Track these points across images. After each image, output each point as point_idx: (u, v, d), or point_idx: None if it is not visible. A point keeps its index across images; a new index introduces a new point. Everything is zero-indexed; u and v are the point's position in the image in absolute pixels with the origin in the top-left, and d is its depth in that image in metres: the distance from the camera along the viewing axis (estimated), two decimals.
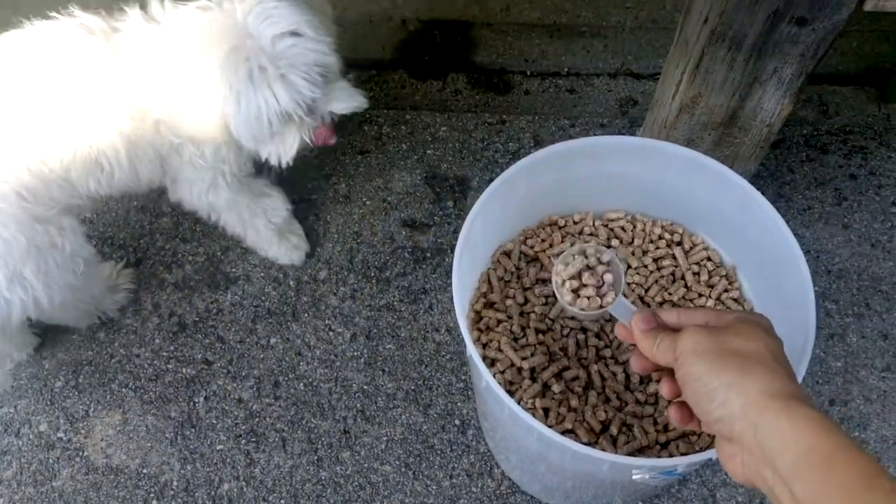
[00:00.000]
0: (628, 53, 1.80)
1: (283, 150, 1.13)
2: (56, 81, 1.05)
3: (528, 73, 1.81)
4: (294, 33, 1.04)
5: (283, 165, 1.15)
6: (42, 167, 1.07)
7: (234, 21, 1.02)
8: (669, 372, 0.64)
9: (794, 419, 0.51)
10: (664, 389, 0.65)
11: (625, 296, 0.92)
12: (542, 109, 1.75)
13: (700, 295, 1.11)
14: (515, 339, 1.06)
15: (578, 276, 0.81)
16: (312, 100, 1.07)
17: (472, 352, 0.91)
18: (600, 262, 0.82)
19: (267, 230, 1.43)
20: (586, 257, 0.82)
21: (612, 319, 1.10)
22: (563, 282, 0.82)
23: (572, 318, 1.09)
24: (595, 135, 1.69)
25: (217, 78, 1.03)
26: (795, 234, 1.53)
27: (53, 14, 1.07)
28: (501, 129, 1.71)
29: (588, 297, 0.80)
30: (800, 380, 0.87)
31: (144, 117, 1.11)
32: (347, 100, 1.12)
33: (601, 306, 0.79)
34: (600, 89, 1.78)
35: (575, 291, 0.81)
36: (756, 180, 1.59)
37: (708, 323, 0.63)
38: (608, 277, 0.80)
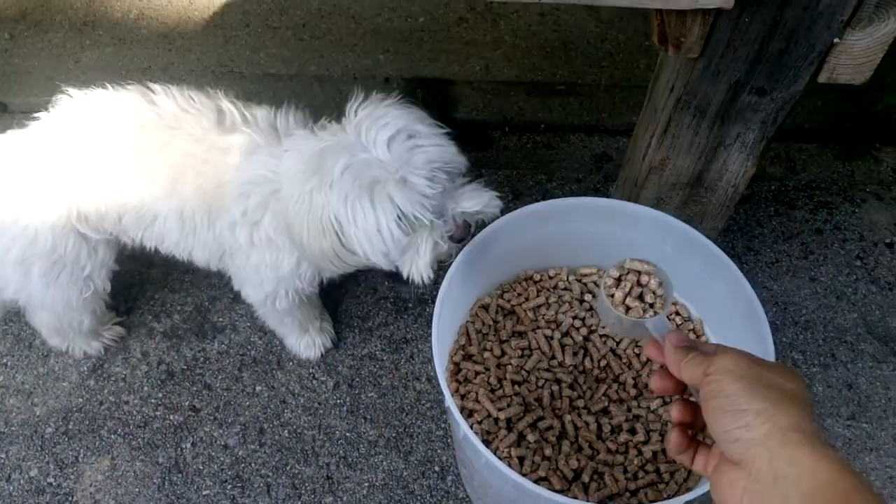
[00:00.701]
0: (603, 111, 1.89)
1: (418, 262, 1.03)
2: (153, 142, 1.12)
3: (507, 129, 1.89)
4: (409, 135, 1.00)
5: (426, 280, 1.04)
6: (100, 203, 1.15)
7: (345, 139, 1.00)
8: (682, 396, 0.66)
9: (815, 454, 0.53)
10: (674, 411, 0.66)
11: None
12: (520, 164, 1.82)
13: None
14: (492, 391, 1.11)
15: (629, 287, 0.82)
16: (439, 200, 1.00)
17: (451, 404, 0.95)
18: (650, 276, 0.82)
19: (292, 325, 1.44)
20: (639, 273, 0.82)
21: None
22: (616, 283, 0.82)
23: (547, 369, 1.14)
24: (571, 189, 1.77)
25: (333, 200, 0.98)
26: (764, 287, 1.60)
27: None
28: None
29: (633, 307, 0.80)
30: None
31: (214, 212, 1.15)
32: (477, 197, 1.04)
33: (643, 315, 0.79)
34: (576, 145, 1.85)
35: (623, 299, 0.81)
36: (725, 234, 1.66)
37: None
38: (660, 291, 0.81)
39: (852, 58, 1.02)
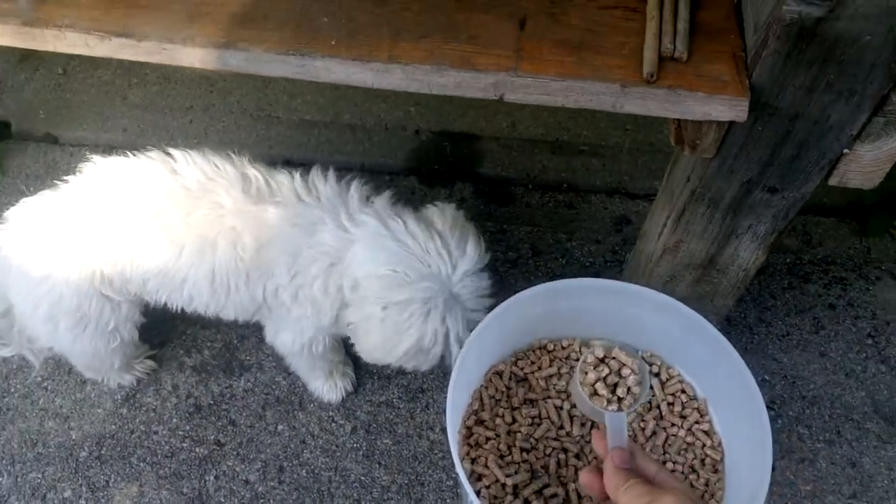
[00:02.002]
0: (625, 174, 1.95)
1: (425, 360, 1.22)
2: (177, 212, 1.20)
3: (530, 186, 1.96)
4: (478, 270, 1.17)
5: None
6: (125, 268, 1.24)
7: (425, 270, 1.13)
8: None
9: None
10: (595, 490, 0.69)
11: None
12: (541, 222, 1.88)
13: (672, 424, 1.22)
14: (502, 457, 1.17)
15: (606, 374, 0.85)
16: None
17: (460, 471, 1.02)
18: (632, 372, 0.85)
19: (319, 370, 1.52)
20: (622, 365, 0.86)
21: (593, 426, 1.20)
22: (597, 363, 0.86)
23: (555, 438, 1.20)
24: (590, 249, 1.83)
25: (417, 324, 1.14)
26: (773, 359, 1.64)
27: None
28: (502, 238, 1.85)
29: (601, 394, 0.83)
30: None
31: (254, 277, 1.22)
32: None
33: (605, 407, 0.82)
34: (597, 206, 1.92)
35: (594, 384, 0.85)
36: (738, 304, 1.71)
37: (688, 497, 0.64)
38: (635, 390, 0.84)
39: (861, 167, 1.07)
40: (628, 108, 0.97)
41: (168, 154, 1.24)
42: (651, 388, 1.15)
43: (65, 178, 1.29)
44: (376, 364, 1.30)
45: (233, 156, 1.25)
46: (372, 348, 1.21)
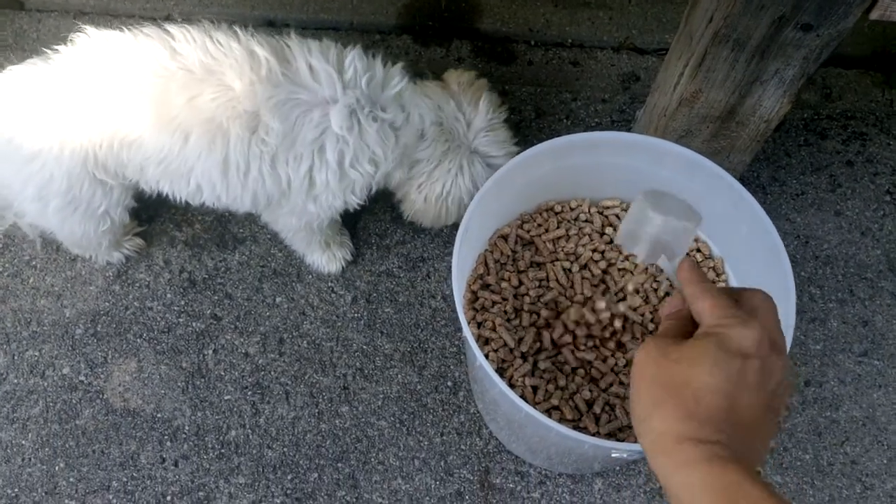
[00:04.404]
0: (633, 27, 1.81)
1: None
2: (179, 97, 1.09)
3: (532, 42, 1.82)
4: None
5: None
6: (120, 153, 1.15)
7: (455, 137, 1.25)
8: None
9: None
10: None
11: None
12: (544, 81, 1.77)
13: None
14: (509, 320, 1.12)
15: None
16: None
17: (468, 334, 0.97)
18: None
19: (316, 243, 1.46)
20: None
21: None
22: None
23: (565, 301, 1.15)
24: (596, 109, 1.73)
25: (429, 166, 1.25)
26: (786, 219, 1.58)
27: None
28: (504, 99, 1.72)
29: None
30: None
31: (281, 159, 1.16)
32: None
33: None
34: (603, 63, 1.79)
35: None
36: (752, 163, 1.63)
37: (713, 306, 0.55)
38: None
39: None
40: None
41: (166, 31, 1.11)
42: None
43: (54, 47, 1.16)
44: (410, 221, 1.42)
45: (237, 31, 1.13)
46: (415, 213, 1.35)
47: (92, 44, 1.14)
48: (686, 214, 0.74)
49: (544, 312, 1.12)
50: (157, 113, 1.10)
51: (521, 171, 1.11)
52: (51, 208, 1.23)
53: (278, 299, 1.54)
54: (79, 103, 1.12)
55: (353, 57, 1.13)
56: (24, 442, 1.42)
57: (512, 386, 1.08)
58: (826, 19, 1.01)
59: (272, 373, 1.47)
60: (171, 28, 1.13)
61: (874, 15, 1.00)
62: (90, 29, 1.15)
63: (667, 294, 1.17)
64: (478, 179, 1.26)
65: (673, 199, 0.76)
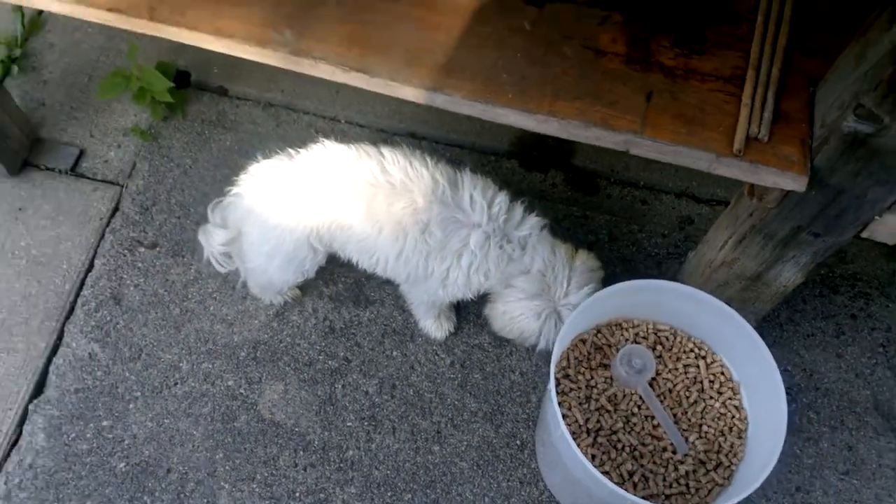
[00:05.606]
0: (693, 179, 2.28)
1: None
2: (381, 202, 1.56)
3: (612, 180, 2.30)
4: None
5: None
6: (333, 232, 1.64)
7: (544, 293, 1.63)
8: None
9: None
10: None
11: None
12: (618, 212, 2.24)
13: (711, 397, 1.61)
14: (580, 404, 1.57)
15: None
16: None
17: (556, 411, 1.42)
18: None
19: (431, 313, 1.93)
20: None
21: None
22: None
23: (624, 396, 1.60)
24: (656, 242, 2.19)
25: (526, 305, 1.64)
26: (796, 354, 2.02)
27: None
28: (584, 222, 2.21)
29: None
30: (768, 470, 1.37)
31: (432, 260, 1.62)
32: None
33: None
34: (666, 205, 2.26)
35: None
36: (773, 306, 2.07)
37: None
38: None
39: (887, 228, 1.41)
40: (718, 172, 1.32)
41: (380, 152, 1.60)
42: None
43: (296, 149, 1.66)
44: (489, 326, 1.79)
45: (427, 160, 1.61)
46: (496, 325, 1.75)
47: (327, 152, 1.63)
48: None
49: (606, 404, 1.57)
50: (365, 211, 1.58)
51: (606, 297, 1.57)
52: (275, 262, 1.73)
53: (395, 353, 2.00)
54: (312, 193, 1.60)
55: (502, 198, 1.61)
56: (194, 432, 1.89)
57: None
58: (830, 233, 1.46)
59: (384, 410, 1.93)
60: (384, 150, 1.61)
61: (864, 235, 1.45)
62: (327, 141, 1.65)
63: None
64: (546, 332, 1.63)
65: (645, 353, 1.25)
